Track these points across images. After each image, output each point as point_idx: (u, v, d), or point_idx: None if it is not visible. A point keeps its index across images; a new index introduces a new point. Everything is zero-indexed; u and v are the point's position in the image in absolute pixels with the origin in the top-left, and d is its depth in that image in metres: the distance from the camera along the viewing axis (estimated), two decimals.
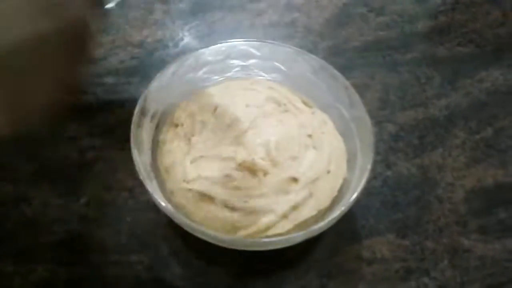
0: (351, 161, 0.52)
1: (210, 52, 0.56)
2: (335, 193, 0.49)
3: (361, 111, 0.51)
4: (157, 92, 0.52)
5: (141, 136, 0.50)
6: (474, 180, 0.58)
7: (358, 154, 0.51)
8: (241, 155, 0.48)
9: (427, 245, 0.53)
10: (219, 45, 0.56)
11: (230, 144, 0.49)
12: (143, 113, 0.50)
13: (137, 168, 0.46)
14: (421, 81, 0.66)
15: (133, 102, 0.61)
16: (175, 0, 0.72)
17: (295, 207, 0.47)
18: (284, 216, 0.47)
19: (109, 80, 0.64)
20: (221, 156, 0.48)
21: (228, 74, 0.58)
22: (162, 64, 0.65)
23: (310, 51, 0.67)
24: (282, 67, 0.57)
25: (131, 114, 0.60)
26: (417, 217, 0.55)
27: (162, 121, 0.54)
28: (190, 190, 0.47)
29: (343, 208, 0.45)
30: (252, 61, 0.57)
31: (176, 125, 0.53)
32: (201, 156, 0.49)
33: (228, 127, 0.50)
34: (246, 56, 0.57)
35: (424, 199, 0.56)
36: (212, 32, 0.69)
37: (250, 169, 0.47)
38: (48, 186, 0.54)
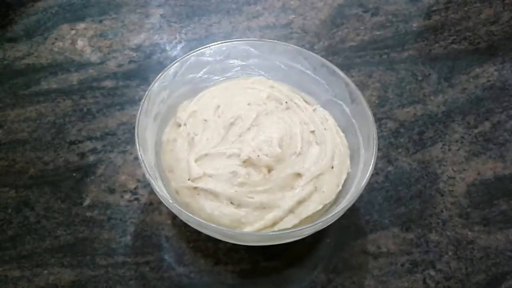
0: (354, 157, 0.52)
1: (210, 52, 0.56)
2: (339, 188, 0.50)
3: (363, 106, 0.52)
4: (159, 92, 0.52)
5: (145, 137, 0.49)
6: (474, 173, 0.58)
7: (361, 149, 0.51)
8: (246, 152, 0.48)
9: (431, 237, 0.53)
10: (219, 44, 0.56)
11: (234, 141, 0.49)
12: (146, 114, 0.50)
13: (143, 168, 0.45)
14: (418, 78, 0.67)
15: (132, 104, 0.62)
16: (172, 4, 0.73)
17: (300, 202, 0.47)
18: (290, 211, 0.47)
19: (108, 83, 0.64)
20: (225, 154, 0.48)
21: (229, 74, 0.58)
22: (160, 66, 0.66)
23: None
24: (282, 66, 0.57)
25: (131, 117, 0.61)
26: (420, 211, 0.55)
27: (165, 122, 0.54)
28: (195, 188, 0.47)
29: (348, 202, 0.45)
30: (252, 60, 0.58)
31: (179, 125, 0.53)
32: (206, 154, 0.49)
33: (231, 125, 0.50)
34: (245, 55, 0.57)
35: (426, 193, 0.56)
36: (209, 35, 0.70)
37: (255, 166, 0.47)
38: (50, 190, 0.54)
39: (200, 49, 0.55)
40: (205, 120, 0.51)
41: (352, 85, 0.53)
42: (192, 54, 0.55)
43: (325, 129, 0.53)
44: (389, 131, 0.61)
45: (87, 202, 0.53)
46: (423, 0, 0.76)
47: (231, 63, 0.58)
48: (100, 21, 0.70)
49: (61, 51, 0.67)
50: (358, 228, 0.54)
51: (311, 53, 0.56)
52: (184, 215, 0.44)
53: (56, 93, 0.62)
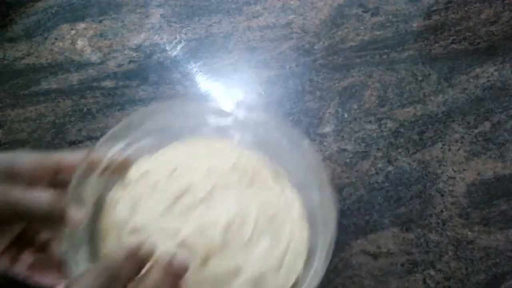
0: (311, 257, 0.44)
1: (184, 105, 0.52)
2: None
3: (328, 198, 0.44)
4: (112, 142, 0.46)
5: (83, 192, 0.43)
6: (474, 173, 0.58)
7: (318, 249, 0.43)
8: (184, 232, 0.41)
9: (431, 237, 0.53)
10: (195, 103, 0.51)
11: (179, 215, 0.43)
12: (91, 167, 0.44)
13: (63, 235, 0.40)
14: (418, 78, 0.67)
15: (132, 104, 0.62)
16: (172, 4, 0.73)
17: None
18: None
19: (108, 83, 0.64)
20: (164, 230, 0.42)
21: (201, 132, 0.51)
22: (160, 67, 0.66)
23: (307, 51, 0.68)
24: (259, 133, 0.50)
25: None
26: (420, 211, 0.55)
27: (116, 177, 0.46)
28: None
29: None
30: (228, 122, 0.50)
31: (127, 184, 0.46)
32: (143, 227, 0.42)
33: (182, 195, 0.44)
34: (222, 116, 0.50)
35: (426, 193, 0.56)
36: (209, 35, 0.70)
37: (192, 250, 0.41)
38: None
39: (174, 101, 0.51)
40: (156, 183, 0.45)
41: (323, 173, 0.46)
42: (165, 104, 0.51)
43: (285, 219, 0.45)
44: (389, 131, 0.61)
45: None
46: (423, 0, 0.76)
47: (206, 121, 0.50)
48: (100, 21, 0.70)
49: (61, 51, 0.67)
50: (358, 228, 0.54)
51: (290, 127, 0.50)
52: None
53: (56, 93, 0.62)
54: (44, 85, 0.63)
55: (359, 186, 0.56)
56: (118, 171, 0.46)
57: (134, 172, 0.46)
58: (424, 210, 0.55)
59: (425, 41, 0.71)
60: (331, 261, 0.51)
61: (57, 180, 0.42)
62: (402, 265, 0.51)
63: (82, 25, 0.69)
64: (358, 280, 0.50)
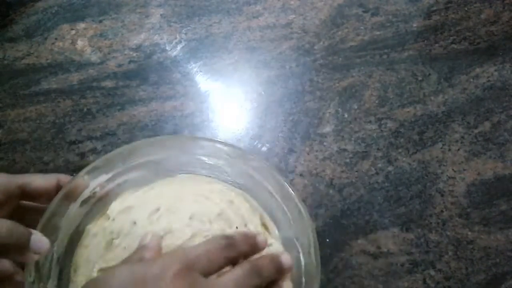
0: None
1: (177, 141, 0.50)
2: None
3: (314, 263, 0.42)
4: (97, 173, 0.44)
5: (58, 224, 0.42)
6: (474, 173, 0.58)
7: None
8: None
9: (431, 237, 0.53)
10: (191, 137, 0.50)
11: None
12: (68, 197, 0.42)
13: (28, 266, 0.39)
14: (418, 78, 0.67)
15: (132, 104, 0.62)
16: (172, 4, 0.73)
17: None
18: None
19: (108, 83, 0.64)
20: None
21: (192, 169, 0.49)
22: (160, 67, 0.66)
23: (307, 51, 0.68)
24: (253, 180, 0.47)
25: (131, 117, 0.61)
26: (420, 211, 0.55)
27: (99, 210, 0.45)
28: None
29: None
30: (221, 162, 0.48)
31: (108, 218, 0.45)
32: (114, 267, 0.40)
33: (161, 236, 0.42)
34: (217, 156, 0.48)
35: (426, 193, 0.56)
36: (209, 35, 0.70)
37: None
38: None
39: (169, 136, 0.49)
40: (135, 222, 0.43)
41: (313, 234, 0.43)
42: (159, 138, 0.49)
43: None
44: (389, 131, 0.61)
45: None
46: (423, 0, 0.76)
47: (199, 159, 0.48)
48: (100, 21, 0.70)
49: (61, 51, 0.67)
50: (358, 228, 0.53)
51: (284, 179, 0.46)
52: None
53: (56, 93, 0.62)
54: (44, 85, 0.63)
55: (359, 186, 0.56)
56: (99, 203, 0.45)
57: (116, 206, 0.45)
58: (424, 210, 0.55)
59: (425, 41, 0.71)
60: (331, 261, 0.51)
61: (22, 205, 0.41)
62: (402, 265, 0.51)
63: (82, 25, 0.69)
64: (358, 280, 0.50)
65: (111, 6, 0.72)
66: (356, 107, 0.63)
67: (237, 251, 0.37)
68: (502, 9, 0.75)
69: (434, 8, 0.75)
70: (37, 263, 0.39)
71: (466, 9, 0.75)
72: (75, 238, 0.44)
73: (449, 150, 0.60)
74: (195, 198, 0.45)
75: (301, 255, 0.43)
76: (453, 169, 0.58)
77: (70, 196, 0.42)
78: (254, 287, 0.35)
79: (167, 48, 0.68)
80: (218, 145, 0.47)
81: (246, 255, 0.38)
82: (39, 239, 0.37)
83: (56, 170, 0.55)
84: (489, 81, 0.67)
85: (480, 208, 0.56)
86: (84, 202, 0.44)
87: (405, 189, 0.56)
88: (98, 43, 0.68)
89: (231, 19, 0.71)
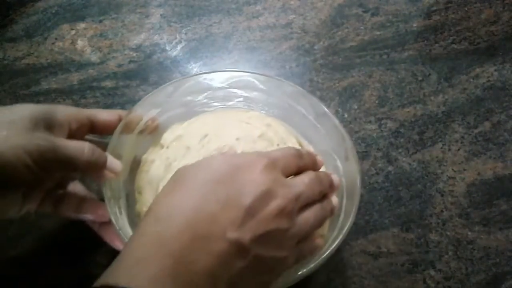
0: (334, 220, 0.46)
1: (213, 78, 0.53)
2: None
3: (354, 167, 0.47)
4: (148, 107, 0.50)
5: (120, 152, 0.47)
6: (474, 173, 0.58)
7: (341, 214, 0.46)
8: None
9: (431, 237, 0.53)
10: (224, 72, 0.53)
11: None
12: (127, 128, 0.48)
13: (103, 190, 0.43)
14: (418, 78, 0.67)
15: (132, 104, 0.62)
16: (172, 4, 0.73)
17: None
18: None
19: (108, 83, 0.64)
20: None
21: (229, 103, 0.55)
22: (160, 67, 0.66)
23: (307, 51, 0.68)
24: (286, 104, 0.53)
25: None
26: (420, 211, 0.55)
27: (150, 140, 0.51)
28: None
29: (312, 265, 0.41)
30: (255, 93, 0.54)
31: (162, 146, 0.50)
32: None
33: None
34: (250, 87, 0.54)
35: (426, 193, 0.56)
36: (209, 35, 0.70)
37: None
38: None
39: (204, 73, 0.53)
40: (188, 147, 0.48)
41: (349, 142, 0.48)
42: (195, 77, 0.53)
43: None
44: (389, 131, 0.61)
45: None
46: (423, 0, 0.76)
47: (234, 93, 0.54)
48: (100, 21, 0.70)
49: (61, 51, 0.67)
50: (358, 228, 0.54)
51: (315, 98, 0.52)
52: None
53: (56, 93, 0.62)
54: (44, 85, 0.63)
55: None
56: (153, 133, 0.50)
57: (168, 136, 0.50)
58: (424, 210, 0.55)
59: (425, 41, 0.71)
60: (331, 261, 0.51)
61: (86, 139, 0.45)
62: (402, 265, 0.51)
63: (82, 25, 0.69)
64: (358, 280, 0.50)
65: (111, 6, 0.72)
66: (356, 107, 0.63)
67: (304, 162, 0.41)
68: (502, 9, 0.75)
69: (434, 8, 0.75)
70: (110, 183, 0.44)
71: (466, 9, 0.75)
72: (133, 167, 0.49)
73: (449, 150, 0.60)
74: (237, 124, 0.51)
75: (338, 162, 0.48)
76: (453, 169, 0.58)
77: (129, 128, 0.48)
78: (317, 192, 0.39)
79: (167, 48, 0.68)
80: (249, 78, 0.53)
81: (308, 169, 0.41)
82: (113, 160, 0.43)
83: None
84: (489, 81, 0.67)
85: (480, 208, 0.56)
86: (140, 133, 0.49)
87: (405, 189, 0.56)
88: (98, 43, 0.68)
89: (231, 19, 0.71)
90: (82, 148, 0.40)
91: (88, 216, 0.46)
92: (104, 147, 0.45)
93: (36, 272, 0.49)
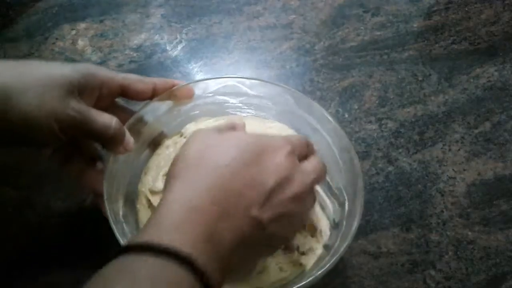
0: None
1: (244, 82, 0.53)
2: None
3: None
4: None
5: (141, 129, 0.48)
6: (475, 174, 0.58)
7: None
8: None
9: (432, 238, 0.53)
10: (263, 82, 0.53)
11: None
12: (172, 97, 0.49)
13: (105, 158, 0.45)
14: (418, 78, 0.67)
15: (134, 104, 0.62)
16: (172, 4, 0.73)
17: None
18: None
19: None
20: None
21: (262, 114, 0.55)
22: (160, 67, 0.66)
23: (308, 51, 0.68)
24: (315, 127, 0.52)
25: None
26: (421, 211, 0.55)
27: (178, 126, 0.52)
28: (149, 202, 0.46)
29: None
30: (286, 108, 0.53)
31: (181, 135, 0.52)
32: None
33: None
34: (282, 103, 0.53)
35: (426, 193, 0.56)
36: (209, 35, 0.70)
37: None
38: (51, 190, 0.54)
39: (241, 77, 0.53)
40: None
41: (360, 185, 0.46)
42: (233, 77, 0.53)
43: None
44: (389, 131, 0.61)
45: (90, 199, 0.53)
46: (424, 1, 0.76)
47: (267, 104, 0.54)
48: (101, 21, 0.70)
49: (62, 51, 0.67)
50: (358, 228, 0.53)
51: (339, 129, 0.50)
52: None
53: None
54: None
55: None
56: (177, 123, 0.52)
57: (190, 127, 0.52)
58: (424, 210, 0.55)
59: (426, 41, 0.71)
60: None
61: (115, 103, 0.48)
62: (402, 265, 0.51)
63: (82, 25, 0.70)
64: (358, 280, 0.50)
65: (111, 6, 0.72)
66: (356, 107, 0.63)
67: (311, 149, 0.43)
68: (502, 10, 0.75)
69: (435, 8, 0.75)
70: (115, 158, 0.45)
71: (466, 9, 0.75)
72: (152, 147, 0.51)
73: (450, 150, 0.60)
74: (259, 129, 0.52)
75: (346, 202, 0.47)
76: (453, 169, 0.58)
77: (173, 97, 0.49)
78: (323, 177, 0.43)
79: (167, 48, 0.68)
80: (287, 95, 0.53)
81: (311, 154, 0.43)
82: (130, 138, 0.44)
83: (57, 170, 0.55)
84: (489, 81, 0.67)
85: (480, 208, 0.56)
86: (167, 114, 0.50)
87: (405, 189, 0.57)
88: (99, 43, 0.68)
89: (232, 19, 0.72)
90: (109, 123, 0.41)
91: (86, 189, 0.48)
92: (129, 114, 0.48)
93: (36, 272, 0.48)
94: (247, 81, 0.53)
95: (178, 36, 0.70)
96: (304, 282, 0.40)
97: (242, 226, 0.35)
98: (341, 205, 0.48)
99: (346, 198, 0.47)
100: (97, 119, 0.41)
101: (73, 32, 0.69)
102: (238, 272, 0.39)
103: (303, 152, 0.42)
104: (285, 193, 0.37)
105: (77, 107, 0.40)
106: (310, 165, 0.41)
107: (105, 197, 0.43)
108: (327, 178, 0.50)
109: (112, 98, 0.46)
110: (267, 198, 0.36)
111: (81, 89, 0.41)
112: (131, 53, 0.67)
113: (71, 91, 0.39)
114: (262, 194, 0.36)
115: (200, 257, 0.31)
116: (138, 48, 0.68)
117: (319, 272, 0.41)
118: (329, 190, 0.50)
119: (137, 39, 0.69)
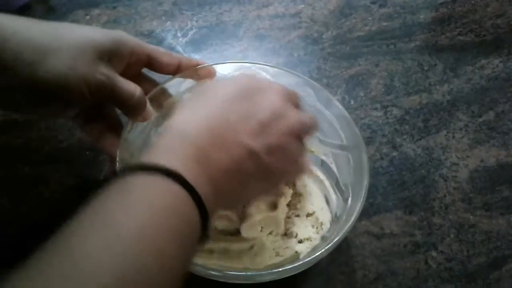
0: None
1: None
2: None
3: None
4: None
5: (163, 102, 0.50)
6: (478, 160, 0.60)
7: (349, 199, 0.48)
8: None
9: (434, 221, 0.54)
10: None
11: None
12: (190, 75, 0.51)
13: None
14: (424, 68, 0.68)
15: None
16: None
17: None
18: None
19: None
20: None
21: None
22: None
23: (315, 40, 0.69)
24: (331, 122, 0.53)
25: None
26: (424, 195, 0.56)
27: None
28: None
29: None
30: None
31: None
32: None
33: None
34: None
35: (429, 178, 0.58)
36: (219, 23, 0.71)
37: None
38: (64, 167, 0.55)
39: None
40: None
41: (366, 187, 0.46)
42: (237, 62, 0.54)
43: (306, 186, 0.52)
44: (394, 118, 0.62)
45: (103, 174, 0.55)
46: None
47: None
48: (114, 7, 0.72)
49: None
50: (362, 210, 0.54)
51: (355, 128, 0.50)
52: None
53: None
54: None
55: None
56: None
57: None
58: (428, 195, 0.56)
59: (432, 32, 0.72)
60: None
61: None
62: (404, 246, 0.53)
63: (96, 11, 0.71)
64: (361, 259, 0.52)
65: None
66: (362, 94, 0.64)
67: (302, 106, 0.44)
68: (508, 3, 0.76)
69: (442, 0, 0.76)
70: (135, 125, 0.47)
71: (472, 2, 0.76)
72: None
73: (453, 137, 0.61)
74: None
75: (349, 199, 0.48)
76: (456, 156, 0.60)
77: (196, 75, 0.51)
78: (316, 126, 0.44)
79: (178, 34, 0.70)
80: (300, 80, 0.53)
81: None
82: (149, 109, 0.46)
83: (70, 148, 0.57)
84: (494, 72, 0.68)
85: (482, 193, 0.57)
86: (188, 91, 0.51)
87: (409, 173, 0.58)
88: (112, 29, 0.69)
89: (241, 8, 0.73)
90: (134, 91, 0.43)
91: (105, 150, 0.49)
92: (153, 85, 0.50)
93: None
94: (271, 69, 0.53)
95: (189, 23, 0.71)
96: (295, 264, 0.41)
97: (235, 154, 0.36)
98: (345, 200, 0.49)
99: (350, 195, 0.48)
100: (123, 86, 0.43)
101: (87, 17, 0.70)
102: (230, 202, 0.39)
103: (296, 102, 0.43)
104: (278, 127, 0.38)
105: (106, 72, 0.41)
106: (301, 112, 0.42)
107: (117, 160, 0.44)
108: (336, 173, 0.52)
109: (139, 67, 0.48)
110: (260, 129, 0.37)
111: (111, 55, 0.42)
112: (143, 39, 0.68)
113: (101, 56, 0.41)
114: (255, 126, 0.37)
115: (190, 173, 0.32)
116: (149, 34, 0.69)
117: (309, 258, 0.42)
118: (337, 185, 0.51)
119: (149, 26, 0.70)
